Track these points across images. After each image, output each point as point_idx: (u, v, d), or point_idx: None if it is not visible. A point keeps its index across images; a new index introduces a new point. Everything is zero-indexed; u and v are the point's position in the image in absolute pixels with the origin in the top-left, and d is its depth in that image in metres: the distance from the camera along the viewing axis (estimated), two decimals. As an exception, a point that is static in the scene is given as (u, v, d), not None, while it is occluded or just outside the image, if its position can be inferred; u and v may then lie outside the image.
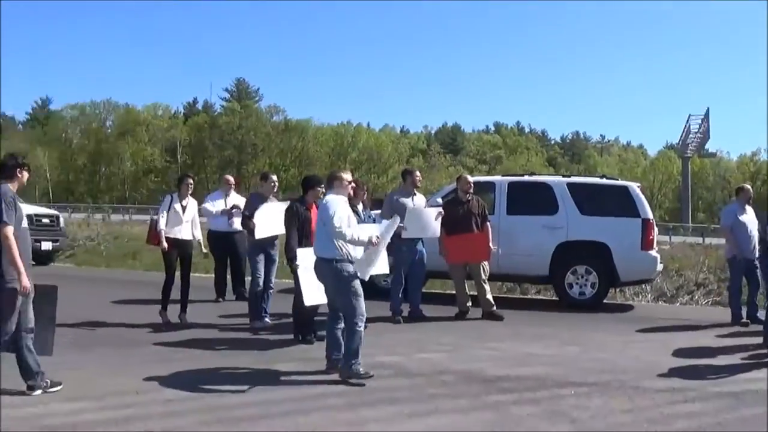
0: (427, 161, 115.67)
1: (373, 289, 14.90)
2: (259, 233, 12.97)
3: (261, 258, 13.32)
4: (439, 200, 15.84)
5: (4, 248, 8.20)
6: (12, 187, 8.50)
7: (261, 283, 13.28)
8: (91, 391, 8.69)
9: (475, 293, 14.77)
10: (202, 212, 14.74)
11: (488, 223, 14.72)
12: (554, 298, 17.89)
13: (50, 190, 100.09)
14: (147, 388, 8.98)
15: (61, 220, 26.24)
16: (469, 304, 14.75)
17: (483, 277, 14.55)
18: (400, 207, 13.75)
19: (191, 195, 13.69)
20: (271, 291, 13.63)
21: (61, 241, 25.60)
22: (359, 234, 9.38)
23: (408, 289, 14.39)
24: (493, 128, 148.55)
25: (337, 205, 9.43)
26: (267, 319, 13.40)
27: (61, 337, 9.75)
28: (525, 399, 8.63)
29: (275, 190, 13.84)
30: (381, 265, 10.80)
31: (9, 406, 8.04)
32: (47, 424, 7.54)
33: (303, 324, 11.89)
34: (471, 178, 15.15)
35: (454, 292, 15.45)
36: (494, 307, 14.53)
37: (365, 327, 12.83)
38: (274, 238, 13.33)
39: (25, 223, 8.59)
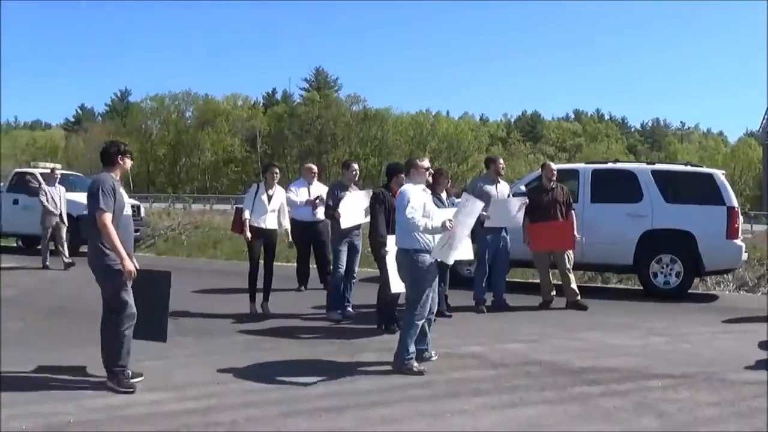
0: (507, 149, 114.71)
1: (457, 278, 14.89)
2: (345, 222, 12.85)
3: (345, 248, 13.17)
4: (523, 188, 15.79)
5: (103, 235, 8.27)
6: (114, 174, 8.59)
7: (343, 273, 13.17)
8: (173, 381, 8.72)
9: (559, 282, 14.64)
10: (288, 203, 14.70)
11: (573, 212, 14.54)
12: (635, 287, 17.69)
13: (131, 180, 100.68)
14: (228, 378, 8.99)
15: (142, 209, 26.81)
16: (553, 293, 14.61)
17: (568, 266, 14.36)
18: (483, 195, 13.58)
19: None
20: (354, 281, 13.52)
21: (142, 230, 25.91)
22: (433, 222, 9.20)
23: (492, 278, 14.27)
24: (572, 116, 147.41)
25: (411, 194, 9.30)
26: (350, 309, 13.32)
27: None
28: (611, 391, 8.46)
29: (356, 179, 13.72)
30: (464, 251, 10.58)
31: (90, 396, 8.12)
32: (127, 414, 7.55)
33: (387, 313, 11.84)
34: (555, 166, 14.96)
35: (537, 281, 15.32)
36: (579, 297, 14.36)
37: (449, 316, 12.83)
38: (358, 227, 13.26)
39: (127, 211, 8.67)
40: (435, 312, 10.05)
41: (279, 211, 13.62)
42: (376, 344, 10.93)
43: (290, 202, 15.12)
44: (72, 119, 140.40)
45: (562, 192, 14.49)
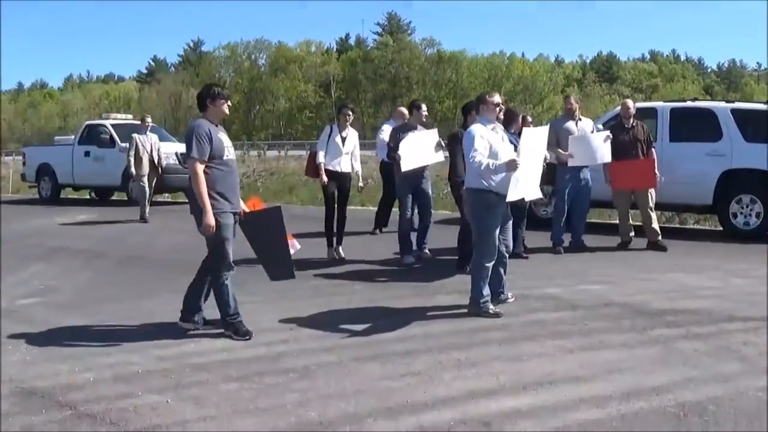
0: (583, 90, 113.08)
1: (533, 218, 14.81)
2: (405, 164, 12.33)
3: (410, 192, 12.88)
4: (600, 127, 15.39)
5: (192, 183, 8.20)
6: (210, 119, 8.41)
7: (410, 217, 12.90)
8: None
9: (638, 223, 14.43)
10: (378, 144, 14.47)
11: (653, 150, 14.20)
12: (713, 228, 17.45)
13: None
14: (302, 323, 8.96)
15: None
16: (632, 234, 14.35)
17: (650, 204, 14.07)
18: (563, 133, 13.48)
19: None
20: (430, 224, 13.34)
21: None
22: (497, 161, 8.94)
23: (571, 219, 14.10)
24: (648, 56, 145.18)
25: (475, 134, 9.10)
26: (426, 251, 13.25)
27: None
28: (692, 334, 8.23)
29: (425, 120, 13.40)
30: (530, 189, 9.78)
31: (159, 346, 8.15)
32: (196, 362, 7.57)
33: (467, 255, 11.57)
34: (632, 104, 14.62)
35: (615, 221, 15.09)
36: (659, 237, 14.08)
37: (526, 257, 12.71)
38: (423, 170, 12.86)
39: (229, 155, 8.39)
40: (510, 253, 9.93)
41: (352, 154, 13.41)
42: (453, 286, 10.82)
43: (382, 144, 14.92)
44: (145, 71, 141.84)
45: (642, 130, 14.14)
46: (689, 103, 17.02)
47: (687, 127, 15.89)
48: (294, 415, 6.14)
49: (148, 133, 20.72)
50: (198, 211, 8.22)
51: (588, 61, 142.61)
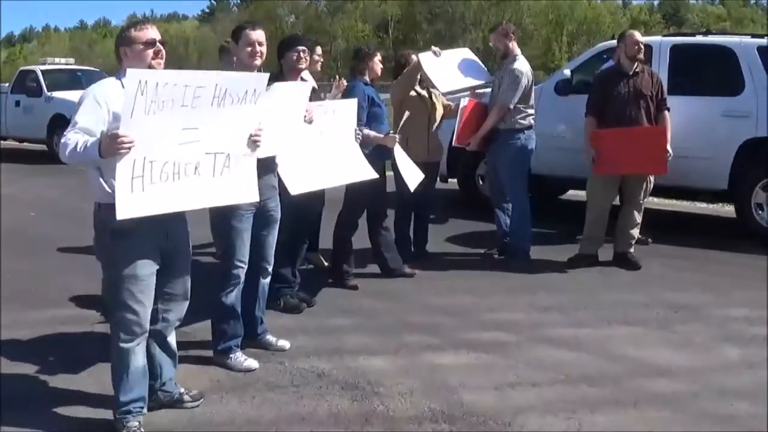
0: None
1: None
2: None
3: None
4: (567, 72, 11.54)
5: None
6: None
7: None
8: None
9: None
10: None
11: (666, 113, 9.16)
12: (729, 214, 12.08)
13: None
14: None
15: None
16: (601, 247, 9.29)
17: (641, 199, 9.26)
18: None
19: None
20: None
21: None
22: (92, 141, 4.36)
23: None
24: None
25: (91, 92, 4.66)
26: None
27: None
28: None
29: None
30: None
31: None
32: None
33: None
34: (641, 38, 9.44)
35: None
36: (632, 248, 9.21)
37: (411, 275, 8.70)
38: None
39: None
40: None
41: None
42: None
43: None
44: (207, 10, 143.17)
45: (650, 80, 9.10)
46: (698, 38, 11.75)
47: (693, 73, 10.85)
48: None
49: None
50: None
51: (656, 2, 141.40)
